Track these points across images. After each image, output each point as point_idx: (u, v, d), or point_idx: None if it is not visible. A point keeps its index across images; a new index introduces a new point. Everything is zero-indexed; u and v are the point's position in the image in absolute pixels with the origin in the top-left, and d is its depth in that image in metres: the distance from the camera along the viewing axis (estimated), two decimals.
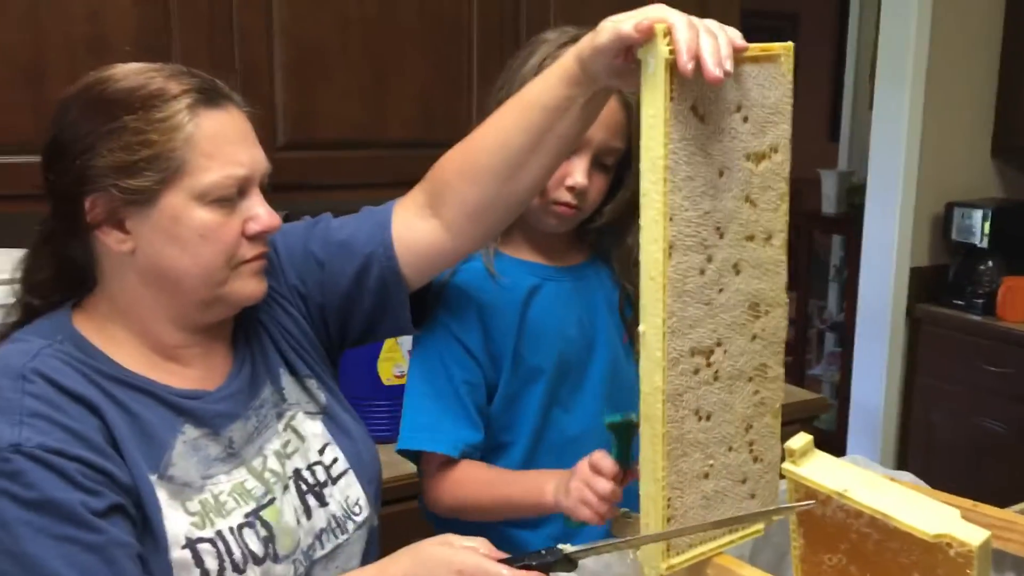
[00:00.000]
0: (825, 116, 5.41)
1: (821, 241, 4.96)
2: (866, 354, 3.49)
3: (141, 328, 1.05)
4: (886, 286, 3.37)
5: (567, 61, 1.05)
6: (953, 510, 0.89)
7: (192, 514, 1.00)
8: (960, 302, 3.31)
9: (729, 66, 0.90)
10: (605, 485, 1.12)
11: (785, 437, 1.07)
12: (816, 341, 5.03)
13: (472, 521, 1.29)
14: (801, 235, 4.59)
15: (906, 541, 0.88)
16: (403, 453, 1.33)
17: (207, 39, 1.82)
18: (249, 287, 1.06)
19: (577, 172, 1.25)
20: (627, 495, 1.26)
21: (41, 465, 0.91)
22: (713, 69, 0.89)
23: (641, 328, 0.97)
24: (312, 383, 1.16)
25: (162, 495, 0.99)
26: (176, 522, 0.98)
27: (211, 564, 0.99)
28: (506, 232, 1.30)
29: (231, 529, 1.02)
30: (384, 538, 1.21)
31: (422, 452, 1.30)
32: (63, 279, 1.07)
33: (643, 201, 0.95)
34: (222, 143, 1.00)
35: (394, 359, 2.03)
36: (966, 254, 3.32)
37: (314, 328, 1.19)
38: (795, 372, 4.61)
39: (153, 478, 0.99)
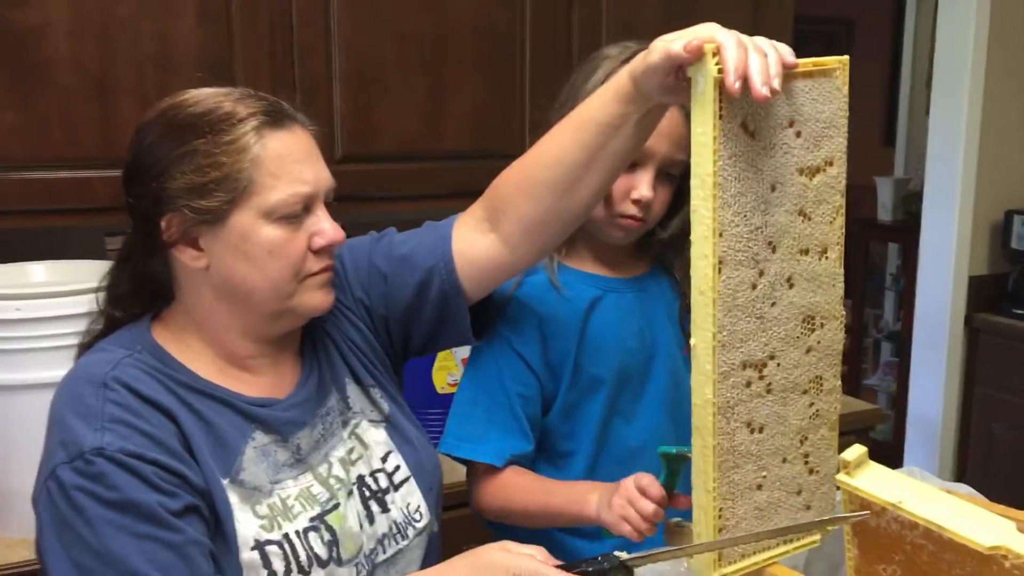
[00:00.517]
0: (881, 123, 5.34)
1: (877, 249, 4.90)
2: (923, 364, 3.44)
3: (214, 339, 1.10)
4: (944, 295, 3.32)
5: (621, 79, 1.07)
6: (1009, 522, 0.89)
7: (261, 517, 1.04)
8: (1020, 311, 3.25)
9: (777, 84, 0.92)
10: (648, 506, 1.14)
11: (841, 448, 1.07)
12: (872, 351, 4.97)
13: (528, 528, 1.31)
14: (857, 243, 4.54)
15: (961, 553, 0.88)
16: (447, 455, 1.35)
17: (268, 56, 1.87)
18: (316, 299, 1.09)
19: (642, 185, 1.27)
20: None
21: (122, 468, 0.96)
22: (760, 88, 0.90)
23: (692, 342, 0.99)
24: (376, 392, 1.20)
25: (233, 498, 1.03)
26: (246, 524, 1.03)
27: (278, 566, 1.03)
28: (570, 244, 1.33)
29: (297, 532, 1.06)
30: (443, 543, 1.24)
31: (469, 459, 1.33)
32: (143, 293, 1.12)
33: (693, 217, 0.96)
34: (287, 162, 1.04)
35: (448, 368, 2.06)
36: None
37: (378, 339, 1.23)
38: (851, 382, 4.55)
39: (225, 482, 1.03)
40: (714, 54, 0.93)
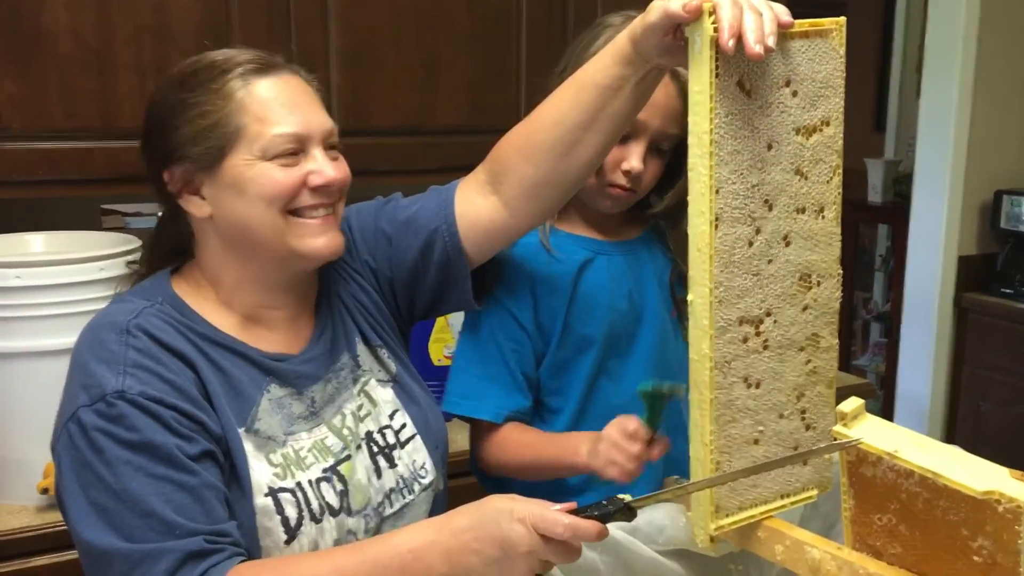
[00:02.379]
0: (871, 107, 5.37)
1: (866, 232, 4.93)
2: (913, 344, 3.48)
3: (229, 295, 1.13)
4: (933, 275, 3.35)
5: (620, 41, 1.08)
6: (1001, 468, 0.91)
7: (275, 465, 1.07)
8: (1009, 291, 3.29)
9: (772, 42, 0.94)
10: (633, 446, 1.16)
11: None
12: (861, 332, 5.01)
13: (526, 481, 1.34)
14: (846, 225, 4.54)
15: (955, 499, 0.90)
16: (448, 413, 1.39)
17: (266, 28, 1.88)
18: (320, 242, 1.10)
19: (633, 157, 1.29)
20: (679, 462, 1.32)
21: (142, 411, 0.99)
22: (754, 46, 0.92)
23: (689, 297, 1.00)
24: (383, 352, 1.23)
25: (248, 447, 1.06)
26: (260, 472, 1.06)
27: (291, 512, 1.06)
28: (562, 210, 1.35)
29: (310, 482, 1.09)
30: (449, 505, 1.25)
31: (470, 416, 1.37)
32: (179, 253, 1.17)
33: (690, 175, 0.98)
34: (273, 105, 1.07)
35: (444, 340, 2.07)
36: (1015, 242, 3.30)
37: (385, 301, 1.25)
38: (840, 362, 4.58)
39: (241, 431, 1.06)
40: (710, 13, 0.94)
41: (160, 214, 1.19)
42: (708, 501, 1.04)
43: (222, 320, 1.12)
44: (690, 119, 0.97)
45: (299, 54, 1.92)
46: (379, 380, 1.22)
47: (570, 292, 1.35)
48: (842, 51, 1.03)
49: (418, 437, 1.21)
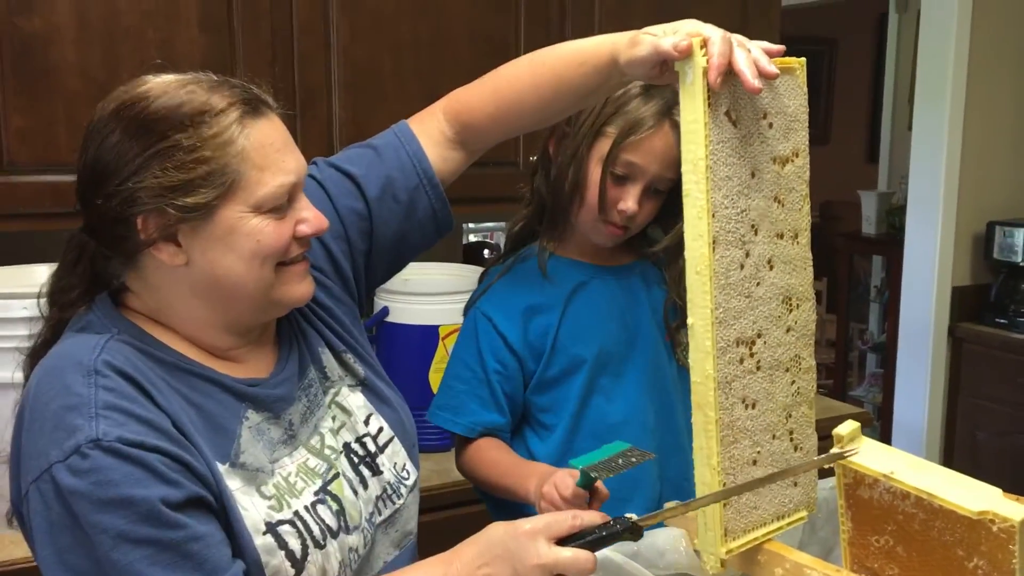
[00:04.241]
0: (863, 139, 5.44)
1: (860, 264, 4.97)
2: (908, 374, 3.50)
3: (191, 334, 1.06)
4: (928, 305, 3.38)
5: (602, 56, 1.14)
6: (995, 489, 0.93)
7: (268, 498, 1.02)
8: (1003, 321, 3.32)
9: (774, 68, 1.00)
10: (563, 505, 1.17)
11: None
12: (858, 363, 5.03)
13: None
14: (841, 257, 4.61)
15: (950, 519, 0.92)
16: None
17: (269, 65, 1.92)
18: (299, 290, 1.07)
19: (630, 199, 1.35)
20: (677, 483, 1.38)
21: (121, 459, 0.91)
22: (752, 81, 0.98)
23: (690, 321, 1.03)
24: (349, 357, 1.21)
25: (234, 483, 1.00)
26: (254, 509, 1.00)
27: (295, 544, 1.02)
28: (561, 238, 1.43)
29: (306, 508, 1.05)
30: (438, 543, 1.26)
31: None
32: (92, 292, 1.07)
33: (686, 201, 1.01)
34: (271, 152, 1.01)
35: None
36: (1008, 272, 3.34)
37: (347, 290, 1.24)
38: (836, 394, 4.61)
39: (224, 467, 1.00)
40: (702, 46, 0.99)
41: (75, 253, 1.06)
42: (718, 524, 1.04)
43: (187, 349, 1.05)
44: (683, 147, 1.01)
45: (301, 88, 1.96)
46: (349, 386, 1.19)
47: (561, 312, 1.40)
48: (805, 88, 1.09)
49: (396, 439, 1.20)
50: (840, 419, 2.37)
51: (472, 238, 3.26)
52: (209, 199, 0.97)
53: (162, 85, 1.00)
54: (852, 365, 4.99)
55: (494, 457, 1.40)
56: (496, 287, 1.43)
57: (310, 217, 1.05)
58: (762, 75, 0.99)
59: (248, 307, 1.05)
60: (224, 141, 0.97)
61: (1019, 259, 3.25)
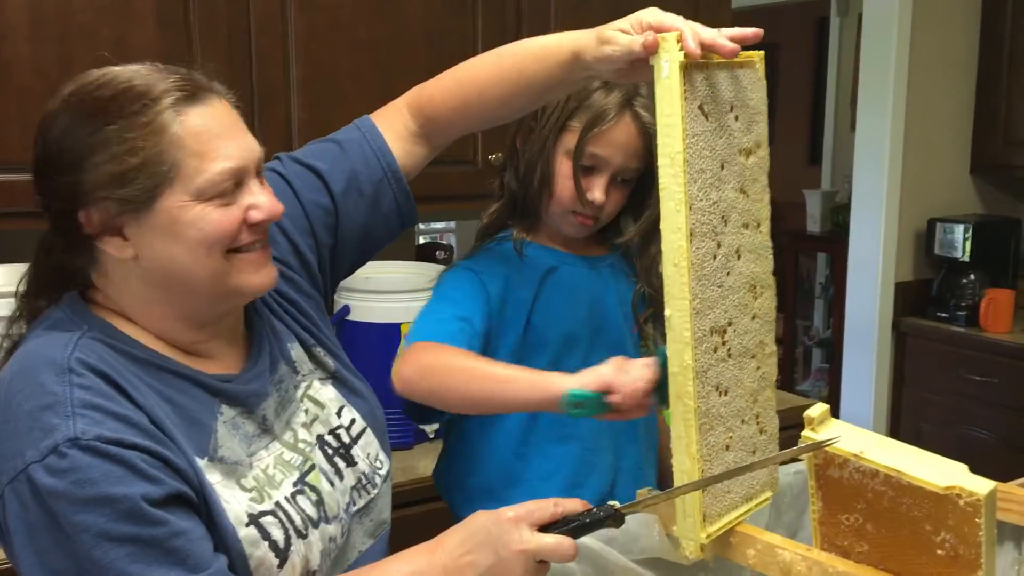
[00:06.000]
0: (805, 140, 5.55)
1: (805, 261, 5.07)
2: (854, 368, 3.58)
3: (156, 329, 1.05)
4: (872, 301, 3.47)
5: (564, 54, 1.16)
6: (961, 465, 0.96)
7: (249, 490, 1.03)
8: (944, 315, 3.41)
9: (749, 31, 1.06)
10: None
11: (783, 444, 1.15)
12: (803, 359, 5.13)
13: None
14: (787, 255, 4.70)
15: (918, 495, 0.95)
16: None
17: (227, 62, 1.89)
18: (257, 278, 1.05)
19: (596, 189, 1.37)
20: (631, 472, 1.43)
21: (100, 457, 0.90)
22: (727, 44, 1.02)
23: (667, 312, 1.04)
24: (319, 351, 1.20)
25: (214, 477, 1.00)
26: (236, 502, 1.01)
27: (277, 534, 1.02)
28: (535, 228, 1.45)
29: (286, 498, 1.06)
30: (402, 540, 1.23)
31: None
32: (63, 288, 1.06)
33: (663, 195, 1.02)
34: (209, 138, 0.98)
35: None
36: (948, 268, 3.43)
37: (313, 283, 1.24)
38: (783, 389, 4.69)
39: (203, 462, 0.99)
40: (677, 40, 1.01)
41: (44, 248, 1.06)
42: (697, 510, 1.05)
43: (156, 345, 1.03)
44: (660, 141, 1.02)
45: (259, 87, 1.95)
46: (320, 379, 1.19)
47: (536, 289, 1.42)
48: (764, 81, 1.13)
49: (368, 430, 1.20)
50: (792, 411, 2.45)
51: (422, 240, 3.27)
52: (147, 189, 0.96)
53: (106, 75, 0.99)
54: (798, 361, 5.09)
55: (465, 363, 1.24)
56: (478, 255, 1.44)
57: (263, 203, 1.03)
58: (734, 41, 1.02)
59: (204, 297, 1.03)
60: (156, 129, 0.95)
61: (959, 255, 3.35)
